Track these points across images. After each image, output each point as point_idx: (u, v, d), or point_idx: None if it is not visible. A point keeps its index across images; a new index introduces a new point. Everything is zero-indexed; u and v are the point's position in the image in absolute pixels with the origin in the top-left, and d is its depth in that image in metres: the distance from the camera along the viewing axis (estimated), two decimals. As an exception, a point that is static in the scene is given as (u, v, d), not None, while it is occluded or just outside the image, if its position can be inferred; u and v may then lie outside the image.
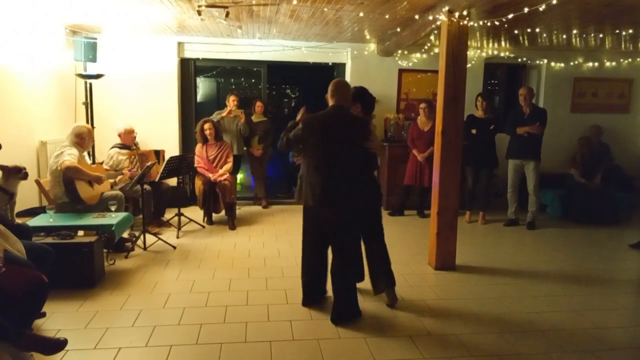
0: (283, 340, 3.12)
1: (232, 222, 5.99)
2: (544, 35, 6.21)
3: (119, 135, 5.65)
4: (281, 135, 3.59)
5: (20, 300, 2.70)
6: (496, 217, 6.51)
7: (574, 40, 6.52)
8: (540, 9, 4.03)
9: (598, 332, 3.33)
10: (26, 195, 4.90)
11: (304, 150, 3.47)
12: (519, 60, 7.53)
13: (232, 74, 11.37)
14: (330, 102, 3.44)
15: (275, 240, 5.49)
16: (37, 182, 4.81)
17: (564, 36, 6.24)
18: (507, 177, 6.33)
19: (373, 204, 3.76)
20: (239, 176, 7.65)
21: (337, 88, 3.44)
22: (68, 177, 4.44)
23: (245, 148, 6.92)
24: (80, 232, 4.18)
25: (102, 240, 4.20)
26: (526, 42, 6.77)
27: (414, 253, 5.04)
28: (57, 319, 3.35)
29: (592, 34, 6.11)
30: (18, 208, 4.50)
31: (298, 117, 3.68)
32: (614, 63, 7.62)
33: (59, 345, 2.61)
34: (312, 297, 3.68)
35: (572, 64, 7.59)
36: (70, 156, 4.45)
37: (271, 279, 4.25)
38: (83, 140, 4.66)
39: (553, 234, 6.04)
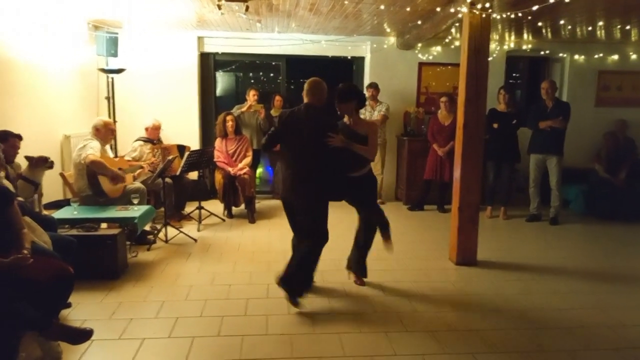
0: (304, 334, 3.13)
1: (251, 216, 6.03)
2: (568, 27, 6.09)
3: (146, 129, 5.73)
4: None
5: (48, 290, 2.75)
6: (518, 212, 6.43)
7: (598, 32, 6.38)
8: (566, 0, 3.94)
9: (623, 330, 3.27)
10: (51, 188, 4.99)
11: (281, 146, 3.62)
12: (542, 53, 7.40)
13: (250, 68, 11.39)
14: (305, 100, 3.54)
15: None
16: (62, 175, 4.90)
17: (589, 28, 6.11)
18: (529, 172, 6.24)
19: (368, 194, 3.92)
20: (258, 170, 7.67)
21: (310, 88, 3.54)
22: (91, 171, 4.50)
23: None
24: (104, 225, 4.25)
25: (125, 233, 4.26)
26: (549, 34, 6.65)
27: (434, 248, 5.01)
28: (82, 309, 3.42)
29: (618, 26, 5.97)
30: (44, 200, 4.60)
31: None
32: (640, 56, 7.45)
33: (85, 335, 2.66)
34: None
35: (596, 56, 7.42)
36: (93, 149, 4.52)
37: (291, 272, 4.25)
38: (99, 132, 4.72)
39: (576, 230, 5.94)
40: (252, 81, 11.66)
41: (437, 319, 3.38)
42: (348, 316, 3.39)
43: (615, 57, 7.44)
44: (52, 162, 4.06)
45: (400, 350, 2.94)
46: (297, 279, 3.52)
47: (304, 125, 3.45)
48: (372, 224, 3.96)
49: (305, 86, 3.54)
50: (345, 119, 3.82)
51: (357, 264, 4.01)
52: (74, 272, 2.95)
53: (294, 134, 3.47)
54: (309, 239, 3.55)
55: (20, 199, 3.37)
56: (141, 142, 5.64)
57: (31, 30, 4.86)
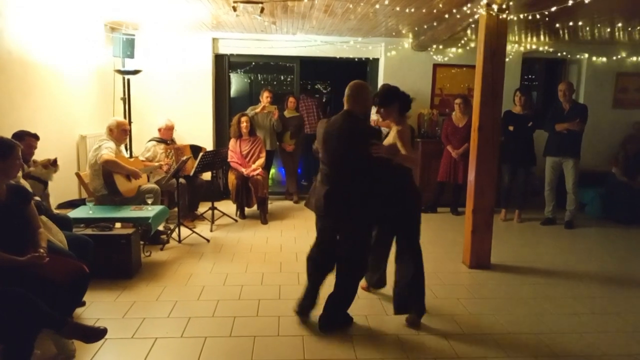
0: (315, 335, 3.13)
1: (264, 217, 6.04)
2: (585, 28, 6.00)
3: (159, 130, 5.77)
4: None
5: (63, 289, 2.78)
6: (532, 215, 6.35)
7: (617, 33, 6.28)
8: (586, 0, 3.87)
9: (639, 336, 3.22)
10: (66, 187, 5.06)
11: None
12: (559, 54, 7.31)
13: (264, 70, 11.44)
14: (345, 106, 3.17)
15: (307, 235, 5.49)
16: (77, 175, 4.95)
17: (607, 29, 6.02)
18: (545, 174, 6.16)
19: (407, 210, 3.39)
20: (271, 171, 7.70)
21: (353, 93, 3.15)
22: (107, 171, 4.55)
23: (277, 143, 6.96)
24: (118, 224, 4.28)
25: (139, 233, 4.29)
26: (566, 35, 6.56)
27: (447, 251, 4.97)
28: (96, 308, 3.45)
29: (637, 27, 5.87)
30: (59, 200, 4.66)
31: None
32: (659, 57, 7.32)
33: (99, 333, 2.69)
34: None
35: (614, 58, 7.31)
36: (108, 149, 4.57)
37: (303, 273, 4.16)
38: (112, 132, 4.76)
39: (592, 233, 5.85)
40: (266, 82, 11.70)
41: (450, 323, 3.35)
42: (360, 319, 3.37)
43: (634, 58, 7.32)
44: (55, 161, 4.08)
45: (413, 354, 2.92)
46: (338, 318, 3.28)
47: (340, 135, 3.08)
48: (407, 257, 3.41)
49: (347, 90, 3.15)
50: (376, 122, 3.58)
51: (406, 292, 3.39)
52: (89, 271, 2.98)
53: (329, 145, 3.12)
54: (345, 267, 3.24)
55: (37, 198, 3.42)
56: (154, 143, 5.69)
57: (49, 33, 4.93)
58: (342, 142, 3.09)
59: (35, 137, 3.90)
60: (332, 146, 3.12)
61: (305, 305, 3.36)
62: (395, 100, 3.32)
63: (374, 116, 6.77)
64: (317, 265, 3.39)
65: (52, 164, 4.00)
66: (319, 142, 3.25)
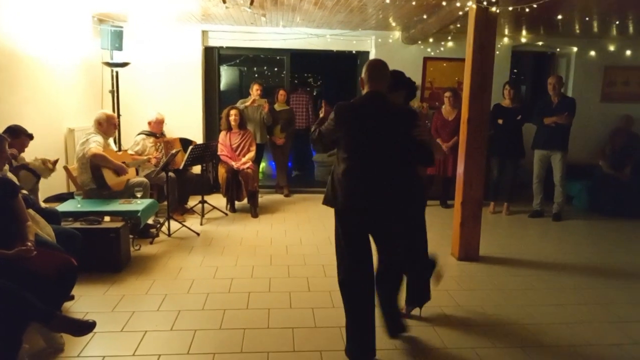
0: (305, 327, 3.14)
1: (254, 210, 6.04)
2: (574, 22, 6.04)
3: (149, 123, 5.73)
4: (312, 128, 2.95)
5: (51, 282, 2.77)
6: (521, 208, 6.41)
7: (605, 27, 6.32)
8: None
9: (625, 326, 3.27)
10: (54, 181, 5.01)
11: (337, 146, 2.81)
12: (548, 48, 7.35)
13: (255, 63, 11.39)
14: (366, 88, 2.80)
15: (297, 228, 5.51)
16: (65, 168, 4.92)
17: (595, 23, 6.06)
18: (533, 167, 6.22)
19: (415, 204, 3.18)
20: (261, 165, 7.68)
21: (373, 70, 2.79)
22: (95, 165, 4.53)
23: (267, 136, 6.94)
24: (107, 218, 4.27)
25: (128, 226, 4.28)
26: (555, 29, 6.59)
27: (436, 244, 4.98)
28: (84, 302, 3.44)
29: (625, 21, 5.91)
30: (47, 194, 4.63)
31: (321, 114, 3.02)
32: (647, 51, 7.38)
33: (87, 327, 2.68)
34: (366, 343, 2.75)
35: (602, 52, 7.37)
36: (96, 143, 4.54)
37: (293, 266, 4.27)
38: (101, 126, 4.73)
39: (579, 226, 5.92)
40: (256, 75, 11.66)
41: (439, 314, 3.38)
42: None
43: (622, 52, 7.38)
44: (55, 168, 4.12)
45: (400, 344, 2.94)
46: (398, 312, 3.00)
47: (377, 118, 2.71)
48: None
49: (367, 70, 2.78)
50: None
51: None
52: (78, 264, 2.97)
53: (362, 131, 2.70)
54: (410, 268, 2.99)
55: (24, 191, 3.39)
56: (144, 136, 5.65)
57: (36, 24, 4.87)
58: (390, 126, 2.73)
59: (30, 137, 3.88)
60: (376, 131, 2.70)
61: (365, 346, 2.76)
62: (402, 87, 3.14)
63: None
64: (370, 284, 2.79)
65: (52, 164, 4.01)
66: (345, 130, 2.73)
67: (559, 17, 5.58)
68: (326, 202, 2.84)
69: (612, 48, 7.35)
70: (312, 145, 2.98)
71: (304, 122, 8.09)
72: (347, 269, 2.78)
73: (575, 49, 7.38)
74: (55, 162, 4.05)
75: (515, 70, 8.17)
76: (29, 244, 2.77)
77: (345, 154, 2.73)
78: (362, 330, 2.72)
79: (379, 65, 2.83)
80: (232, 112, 6.17)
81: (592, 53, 7.38)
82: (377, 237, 2.86)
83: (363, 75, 2.82)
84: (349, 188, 2.72)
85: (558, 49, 7.42)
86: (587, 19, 5.83)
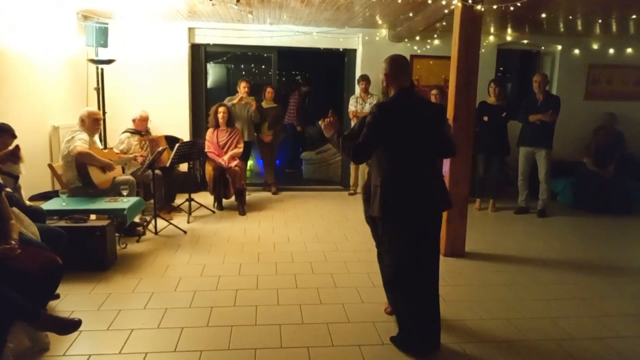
0: (293, 324, 3.15)
1: (242, 208, 6.03)
2: (559, 20, 6.11)
3: (133, 121, 5.67)
4: (342, 144, 2.78)
5: (36, 281, 2.74)
6: (506, 205, 6.48)
7: (589, 26, 6.41)
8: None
9: (608, 320, 3.32)
10: (39, 179, 4.96)
11: (380, 151, 2.75)
12: (533, 46, 7.43)
13: (242, 60, 11.35)
14: (395, 85, 2.78)
15: (285, 225, 5.51)
16: (50, 166, 4.86)
17: (580, 22, 6.13)
18: (518, 164, 6.28)
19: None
20: (249, 162, 7.67)
21: (402, 66, 2.79)
22: (81, 162, 4.48)
23: (255, 134, 6.93)
24: (93, 216, 4.23)
25: (114, 224, 4.25)
26: (540, 27, 6.66)
27: (423, 240, 5.04)
28: (70, 300, 3.41)
29: (609, 19, 5.99)
30: (32, 192, 4.58)
31: (322, 124, 2.91)
32: (629, 50, 7.48)
33: (73, 325, 2.66)
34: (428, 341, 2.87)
35: (586, 50, 7.47)
36: (81, 141, 4.49)
37: (281, 263, 4.28)
38: (84, 123, 4.65)
39: (564, 222, 6.00)
40: (244, 73, 11.61)
41: (425, 310, 3.40)
42: (336, 307, 3.41)
43: (605, 50, 7.48)
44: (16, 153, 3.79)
45: (386, 338, 2.96)
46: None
47: (420, 115, 2.75)
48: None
49: (394, 67, 2.77)
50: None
51: None
52: (63, 263, 2.95)
53: (406, 131, 2.70)
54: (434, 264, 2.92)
55: (8, 189, 3.35)
56: (128, 134, 5.59)
57: (19, 21, 4.80)
58: (430, 122, 2.80)
59: (13, 136, 3.77)
60: (420, 128, 2.74)
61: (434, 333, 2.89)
62: None
63: (352, 107, 6.82)
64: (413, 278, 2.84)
65: (8, 156, 3.62)
66: (391, 131, 2.68)
67: (544, 15, 5.64)
68: (380, 212, 2.75)
69: (595, 46, 7.45)
70: (355, 158, 2.79)
71: (292, 119, 8.11)
72: (398, 267, 2.82)
73: (559, 47, 7.46)
74: (15, 149, 3.64)
75: (501, 68, 8.24)
76: (13, 242, 2.74)
77: (393, 156, 2.72)
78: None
79: (404, 61, 2.84)
80: (221, 109, 6.15)
81: (576, 51, 7.47)
82: (427, 235, 2.85)
83: (388, 71, 2.80)
84: (408, 190, 2.71)
85: (543, 47, 7.50)
86: (571, 17, 5.90)
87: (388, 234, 2.86)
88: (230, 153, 6.06)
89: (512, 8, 4.75)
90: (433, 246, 2.90)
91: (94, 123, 4.72)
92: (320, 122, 2.97)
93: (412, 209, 2.74)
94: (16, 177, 3.88)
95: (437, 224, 2.91)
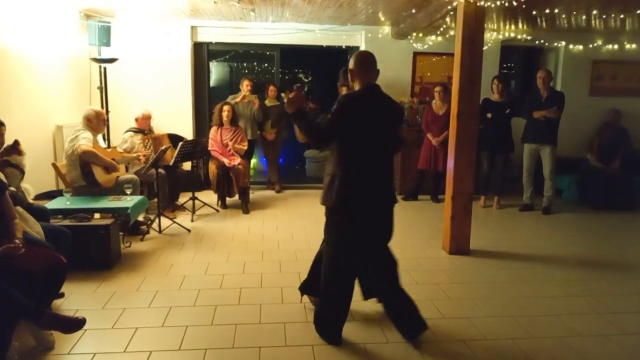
0: (297, 322, 3.14)
1: (245, 206, 6.03)
2: (563, 16, 6.07)
3: (136, 120, 5.68)
4: (306, 124, 2.72)
5: (40, 280, 2.74)
6: (511, 202, 6.45)
7: (593, 22, 6.36)
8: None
9: (614, 317, 3.31)
10: (43, 178, 4.97)
11: (340, 140, 2.76)
12: (537, 42, 7.39)
13: (244, 58, 11.34)
14: (359, 80, 2.84)
15: (289, 224, 5.51)
16: (54, 165, 4.87)
17: (584, 17, 6.10)
18: (523, 161, 6.26)
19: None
20: (253, 161, 7.66)
21: (366, 61, 2.84)
22: (84, 161, 4.48)
23: (258, 132, 6.92)
24: (97, 215, 4.24)
25: (118, 223, 4.25)
26: (544, 23, 6.62)
27: (428, 238, 5.03)
28: (75, 299, 3.42)
29: (613, 15, 5.95)
30: (36, 191, 4.58)
31: (285, 97, 2.80)
32: (634, 45, 7.43)
33: (77, 324, 2.66)
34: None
35: (591, 46, 7.41)
36: (86, 140, 4.49)
37: (285, 262, 4.27)
38: (91, 122, 4.67)
39: (569, 219, 5.97)
40: (246, 71, 11.60)
41: (430, 308, 3.39)
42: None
43: (610, 46, 7.43)
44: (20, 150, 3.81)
45: (391, 337, 2.95)
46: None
47: (381, 112, 2.78)
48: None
49: (359, 62, 2.83)
50: None
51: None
52: (67, 262, 2.95)
53: (368, 124, 2.74)
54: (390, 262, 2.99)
55: (12, 188, 3.35)
56: (131, 133, 5.60)
57: (22, 20, 4.80)
58: (390, 118, 2.86)
59: (1, 124, 3.71)
60: (379, 123, 2.79)
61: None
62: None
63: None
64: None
65: (11, 149, 3.67)
66: (352, 122, 2.72)
67: (547, 11, 5.60)
68: (331, 202, 2.78)
69: (600, 42, 7.39)
70: (315, 141, 2.78)
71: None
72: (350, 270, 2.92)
73: (563, 43, 7.42)
74: (15, 143, 3.72)
75: (509, 64, 8.20)
76: (17, 241, 2.74)
77: (350, 148, 2.75)
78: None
79: (370, 57, 2.88)
80: (225, 107, 6.15)
81: (580, 47, 7.42)
82: (379, 234, 2.94)
83: (353, 67, 2.85)
84: (361, 184, 2.76)
85: (547, 44, 7.46)
86: (574, 13, 5.86)
87: (337, 225, 2.88)
88: (232, 145, 6.06)
89: (514, 3, 4.72)
90: (380, 241, 2.98)
91: (101, 123, 4.76)
92: (283, 95, 2.92)
93: (365, 202, 2.78)
94: (22, 171, 3.87)
95: (388, 220, 2.95)
